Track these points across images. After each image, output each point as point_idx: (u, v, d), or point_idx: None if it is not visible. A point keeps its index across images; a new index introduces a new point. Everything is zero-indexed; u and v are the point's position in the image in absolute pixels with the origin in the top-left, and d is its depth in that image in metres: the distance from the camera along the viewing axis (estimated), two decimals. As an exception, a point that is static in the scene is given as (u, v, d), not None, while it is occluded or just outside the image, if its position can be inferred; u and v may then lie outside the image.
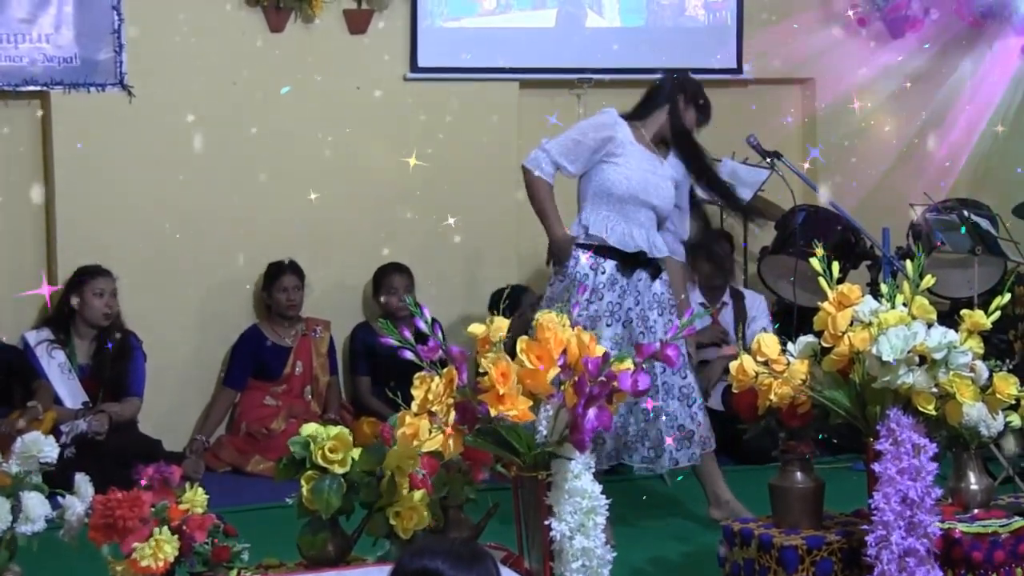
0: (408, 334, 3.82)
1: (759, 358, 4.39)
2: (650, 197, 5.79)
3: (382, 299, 7.52)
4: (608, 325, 5.67)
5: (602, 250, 5.76)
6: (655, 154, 5.89)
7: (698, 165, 5.97)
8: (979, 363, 4.26)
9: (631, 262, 5.76)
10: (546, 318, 3.75)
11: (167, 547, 3.68)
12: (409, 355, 3.78)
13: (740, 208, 6.78)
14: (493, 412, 3.62)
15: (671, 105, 5.90)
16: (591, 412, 3.66)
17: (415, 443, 3.70)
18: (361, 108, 7.66)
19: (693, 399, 5.84)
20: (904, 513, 4.01)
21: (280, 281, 7.40)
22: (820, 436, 5.03)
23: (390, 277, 7.55)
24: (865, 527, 4.15)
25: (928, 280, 4.29)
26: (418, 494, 3.90)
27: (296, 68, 7.48)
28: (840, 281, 4.39)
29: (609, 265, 5.75)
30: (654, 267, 5.82)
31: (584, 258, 5.75)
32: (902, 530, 4.00)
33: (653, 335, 5.66)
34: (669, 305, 5.83)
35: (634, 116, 5.95)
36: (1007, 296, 4.35)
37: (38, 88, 7.11)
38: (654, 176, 5.82)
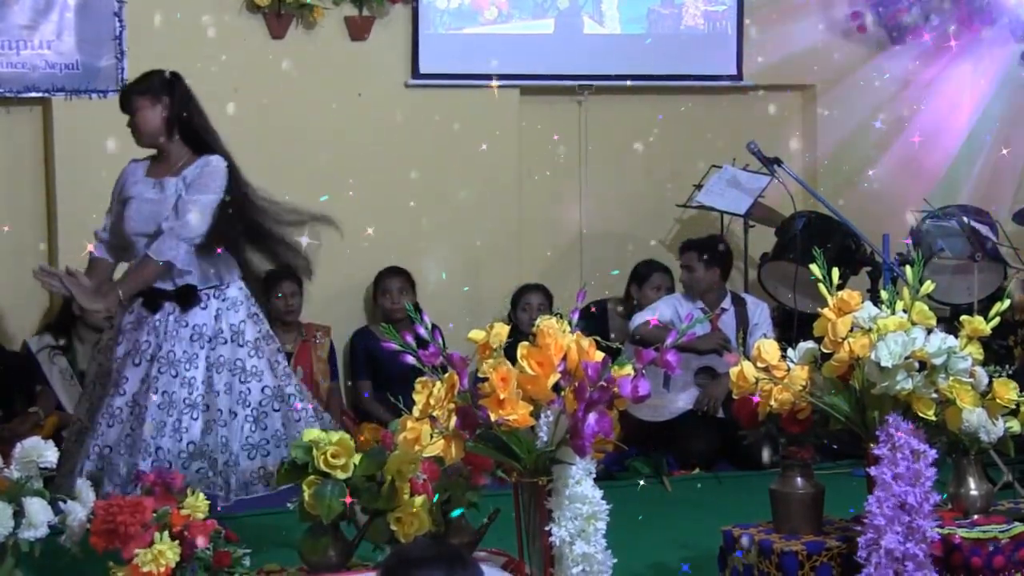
0: (409, 338, 3.82)
1: (759, 364, 4.40)
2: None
3: (378, 302, 7.58)
4: (136, 364, 5.26)
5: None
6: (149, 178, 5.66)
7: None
8: (979, 369, 4.28)
9: (157, 297, 5.38)
10: (546, 324, 3.75)
11: (168, 553, 3.69)
12: (411, 359, 3.79)
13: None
14: (493, 417, 3.62)
15: None
16: (591, 417, 3.67)
17: (416, 448, 3.71)
18: (362, 115, 7.67)
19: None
20: (900, 518, 4.02)
21: (278, 287, 7.39)
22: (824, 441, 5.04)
23: (388, 280, 7.57)
24: (857, 528, 4.17)
25: (928, 286, 4.30)
26: (419, 499, 3.91)
27: (297, 75, 7.49)
28: (840, 287, 4.40)
29: (136, 304, 5.41)
30: (184, 297, 5.39)
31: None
32: (899, 535, 4.01)
33: (175, 367, 5.26)
34: (224, 335, 5.46)
35: None
36: (1006, 302, 4.36)
37: (40, 95, 7.13)
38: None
